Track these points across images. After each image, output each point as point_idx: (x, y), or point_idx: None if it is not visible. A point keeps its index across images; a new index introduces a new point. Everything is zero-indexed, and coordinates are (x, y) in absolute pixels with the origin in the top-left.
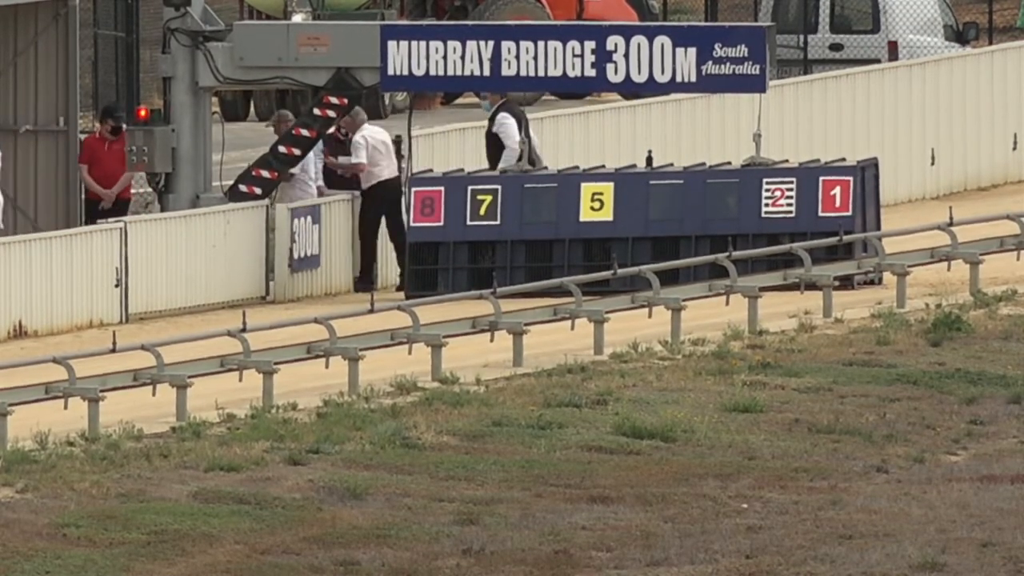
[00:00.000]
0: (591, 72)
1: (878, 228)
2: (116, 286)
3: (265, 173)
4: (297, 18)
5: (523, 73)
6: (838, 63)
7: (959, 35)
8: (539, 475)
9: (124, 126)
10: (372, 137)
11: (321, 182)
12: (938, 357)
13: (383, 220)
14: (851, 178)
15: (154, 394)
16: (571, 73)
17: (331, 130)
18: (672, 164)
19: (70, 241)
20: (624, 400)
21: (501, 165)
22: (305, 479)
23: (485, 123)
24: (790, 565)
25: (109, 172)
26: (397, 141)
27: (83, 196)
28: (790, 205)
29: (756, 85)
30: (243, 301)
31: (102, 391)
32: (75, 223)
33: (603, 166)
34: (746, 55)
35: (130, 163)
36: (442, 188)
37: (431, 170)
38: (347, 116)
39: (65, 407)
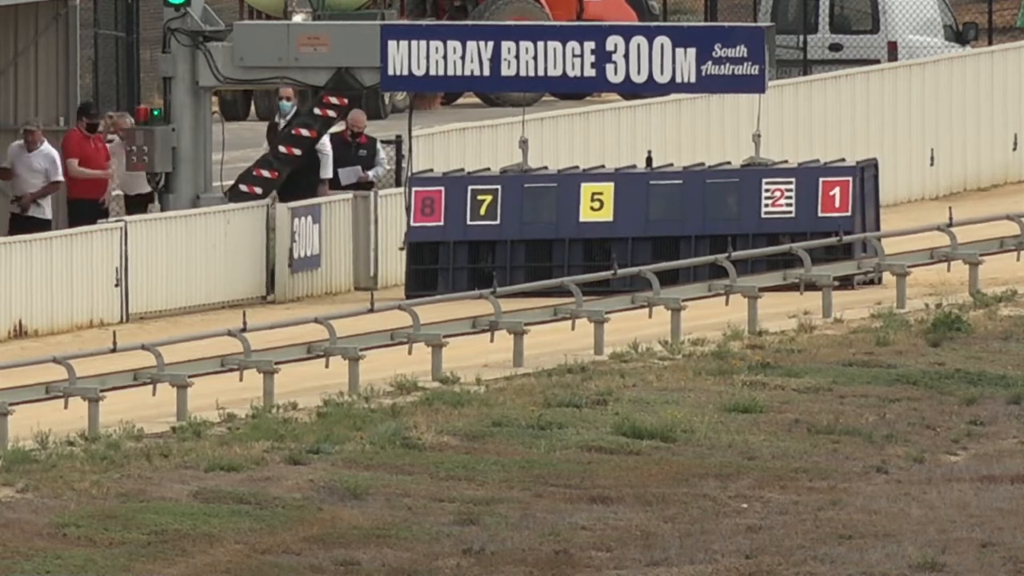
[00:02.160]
0: (591, 72)
1: (878, 228)
2: (116, 286)
3: (266, 173)
4: (297, 18)
5: (523, 73)
6: (838, 63)
7: (959, 35)
8: (539, 475)
9: (100, 124)
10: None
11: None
12: (938, 357)
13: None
14: (851, 178)
15: (154, 394)
16: (571, 73)
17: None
18: (672, 164)
19: (70, 241)
20: (624, 400)
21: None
22: (305, 479)
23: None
24: (790, 565)
25: (97, 167)
26: (398, 141)
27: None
28: (790, 205)
29: (755, 85)
30: (243, 301)
31: (102, 391)
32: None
33: (603, 166)
34: (746, 55)
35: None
36: (442, 188)
37: (431, 170)
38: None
39: (65, 407)
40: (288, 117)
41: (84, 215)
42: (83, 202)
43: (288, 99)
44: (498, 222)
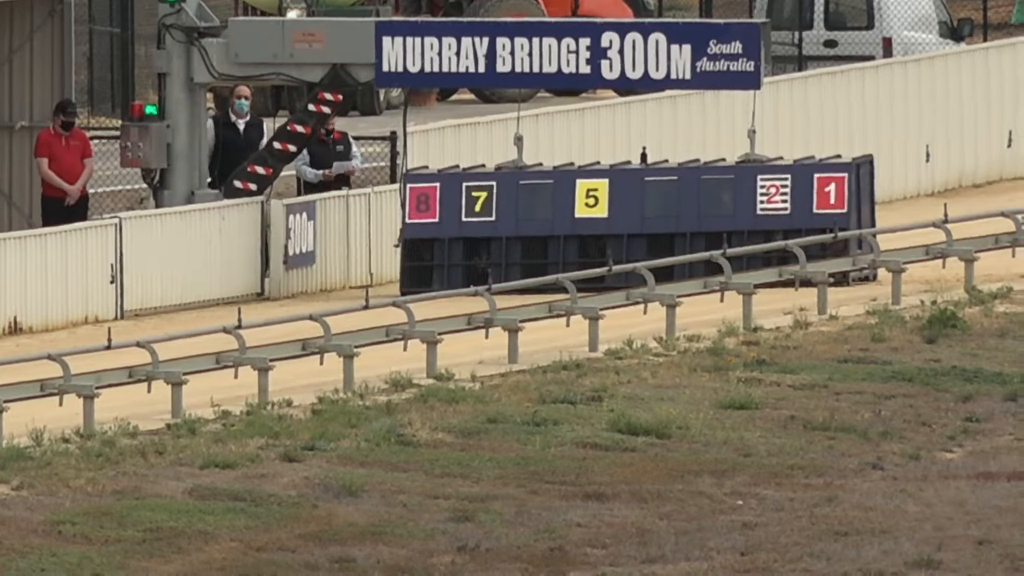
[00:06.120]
0: (586, 69)
1: (873, 225)
2: (111, 282)
3: (260, 169)
4: (292, 14)
5: (518, 70)
6: (833, 60)
7: (954, 32)
8: (534, 472)
9: (76, 122)
10: None
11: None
12: (933, 354)
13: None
14: (846, 175)
15: (149, 391)
16: (566, 70)
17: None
18: (667, 161)
19: (65, 237)
20: (619, 397)
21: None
22: (300, 476)
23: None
24: (785, 562)
25: (67, 167)
26: (392, 137)
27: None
28: (785, 202)
29: (751, 82)
30: (238, 298)
31: (97, 388)
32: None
33: (598, 163)
34: (741, 52)
35: (125, 159)
36: (437, 184)
37: (426, 166)
38: None
39: (60, 404)
40: (245, 116)
41: (53, 213)
42: (51, 200)
43: (246, 98)
44: (493, 219)
